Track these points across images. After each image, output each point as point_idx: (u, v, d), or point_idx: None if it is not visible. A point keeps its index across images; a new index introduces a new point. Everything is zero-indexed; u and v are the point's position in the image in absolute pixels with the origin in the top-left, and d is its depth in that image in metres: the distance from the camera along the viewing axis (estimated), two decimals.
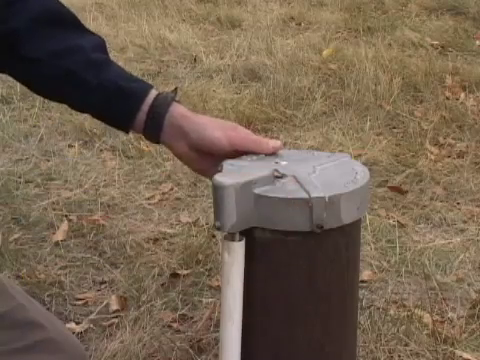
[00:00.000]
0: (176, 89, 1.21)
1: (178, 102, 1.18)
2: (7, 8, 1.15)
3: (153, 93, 1.17)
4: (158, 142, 1.18)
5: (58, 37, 1.17)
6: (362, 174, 1.11)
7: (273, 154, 1.18)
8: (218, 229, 1.03)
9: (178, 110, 1.16)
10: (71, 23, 1.20)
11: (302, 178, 1.08)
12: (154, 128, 1.16)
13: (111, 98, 1.16)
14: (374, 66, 3.83)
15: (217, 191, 1.02)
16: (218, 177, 1.04)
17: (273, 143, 1.16)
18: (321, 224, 1.02)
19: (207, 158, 1.15)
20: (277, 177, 1.08)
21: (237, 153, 1.14)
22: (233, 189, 1.01)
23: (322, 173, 1.10)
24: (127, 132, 1.21)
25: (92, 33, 1.21)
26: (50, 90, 1.20)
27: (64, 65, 1.16)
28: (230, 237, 1.04)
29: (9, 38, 1.15)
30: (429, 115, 3.41)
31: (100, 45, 1.21)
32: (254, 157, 1.17)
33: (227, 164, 1.13)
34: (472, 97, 3.64)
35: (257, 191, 1.03)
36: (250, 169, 1.09)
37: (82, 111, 1.23)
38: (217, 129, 1.14)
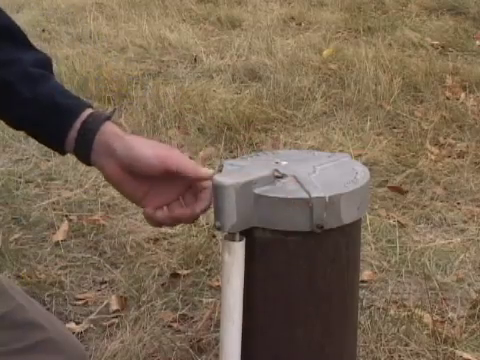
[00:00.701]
0: (115, 110, 1.18)
1: (114, 122, 1.14)
2: None
3: (88, 111, 1.13)
4: (89, 163, 1.13)
5: (1, 50, 1.14)
6: (362, 174, 1.11)
7: (273, 153, 1.18)
8: (218, 229, 1.03)
9: (110, 128, 1.12)
10: (17, 39, 1.17)
11: (302, 178, 1.08)
12: (84, 146, 1.11)
13: (45, 113, 1.13)
14: (374, 66, 3.83)
15: (217, 191, 1.02)
16: (218, 177, 1.03)
17: (205, 170, 1.09)
18: (321, 224, 1.02)
19: (139, 181, 1.11)
20: (277, 177, 1.08)
21: (169, 175, 1.08)
22: (233, 189, 1.01)
23: (322, 173, 1.10)
24: (63, 153, 1.16)
25: (39, 51, 1.18)
26: None
27: (0, 76, 1.13)
28: (230, 237, 1.04)
29: None
30: (429, 115, 3.41)
31: (43, 61, 1.17)
32: (254, 156, 1.17)
33: (227, 164, 1.13)
34: (472, 97, 3.64)
35: (257, 191, 1.03)
36: (250, 169, 1.09)
37: (18, 127, 1.18)
38: (147, 148, 1.09)
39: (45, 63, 1.17)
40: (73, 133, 1.12)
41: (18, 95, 1.13)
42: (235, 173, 1.07)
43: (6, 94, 1.13)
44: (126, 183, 1.11)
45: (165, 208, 1.10)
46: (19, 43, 1.17)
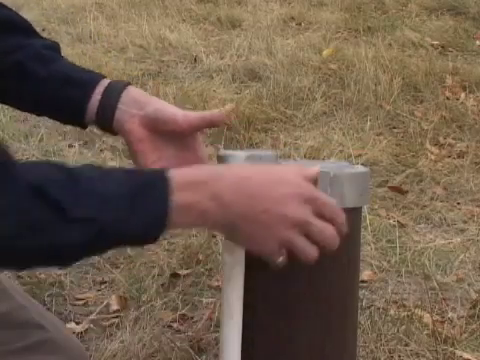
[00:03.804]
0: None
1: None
2: None
3: (106, 80, 1.16)
4: (110, 125, 1.14)
5: (9, 39, 1.17)
6: (362, 168, 1.12)
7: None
8: None
9: (135, 89, 1.16)
10: (25, 29, 1.20)
11: (306, 162, 1.08)
12: (109, 107, 1.13)
13: (62, 88, 1.14)
14: (374, 66, 3.83)
15: (223, 162, 1.02)
16: (223, 151, 1.04)
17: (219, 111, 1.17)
18: None
19: (158, 142, 1.13)
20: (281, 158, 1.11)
21: (191, 130, 1.12)
22: (240, 160, 1.01)
23: (324, 165, 1.12)
24: (83, 125, 1.17)
25: (46, 38, 1.22)
26: (4, 87, 1.19)
27: (13, 59, 1.16)
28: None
29: None
30: (429, 115, 3.42)
31: (52, 45, 1.20)
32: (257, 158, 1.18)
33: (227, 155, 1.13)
34: (472, 97, 3.64)
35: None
36: (253, 150, 1.10)
37: (35, 108, 1.20)
38: (173, 106, 1.13)
39: (55, 47, 1.21)
40: (94, 100, 1.13)
41: (33, 75, 1.15)
42: (238, 150, 1.08)
43: (21, 75, 1.15)
44: (146, 142, 1.13)
45: None
46: (29, 32, 1.21)
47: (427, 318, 1.97)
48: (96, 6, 5.24)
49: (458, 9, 5.10)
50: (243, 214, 0.92)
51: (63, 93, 1.15)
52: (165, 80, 3.92)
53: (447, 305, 2.07)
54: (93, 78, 1.16)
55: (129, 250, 2.33)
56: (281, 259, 0.96)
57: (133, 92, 1.15)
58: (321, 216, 0.94)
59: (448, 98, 3.64)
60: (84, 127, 1.19)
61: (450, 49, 4.40)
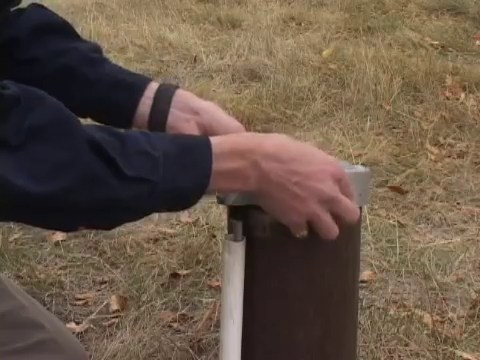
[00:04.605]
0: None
1: None
2: (7, 20, 1.18)
3: (154, 83, 1.18)
4: (164, 126, 1.16)
5: (56, 41, 1.20)
6: (362, 167, 1.12)
7: None
8: (220, 203, 1.03)
9: (185, 92, 1.17)
10: (68, 32, 1.23)
11: None
12: (161, 112, 1.15)
13: (111, 91, 1.16)
14: (374, 66, 3.83)
15: None
16: None
17: None
18: None
19: None
20: None
21: None
22: None
23: None
24: (129, 126, 1.19)
25: (89, 41, 1.25)
26: (50, 90, 1.20)
27: (62, 62, 1.18)
28: (231, 237, 1.04)
29: (9, 45, 1.19)
30: (429, 115, 3.41)
31: (97, 47, 1.23)
32: None
33: None
34: (472, 97, 3.64)
35: None
36: None
37: (83, 112, 1.22)
38: (227, 115, 1.16)
39: (99, 49, 1.23)
40: (144, 105, 1.15)
41: (82, 78, 1.17)
42: None
43: (70, 79, 1.17)
44: None
45: None
46: (73, 35, 1.23)
47: (427, 318, 1.97)
48: (96, 6, 5.24)
49: (458, 9, 5.10)
50: (278, 183, 0.95)
51: (111, 96, 1.17)
52: (165, 80, 3.92)
53: (447, 305, 2.07)
54: (141, 81, 1.18)
55: (129, 250, 2.33)
56: (303, 232, 1.00)
57: (184, 96, 1.17)
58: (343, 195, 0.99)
59: (448, 98, 3.64)
60: (129, 127, 1.20)
61: (450, 49, 4.40)
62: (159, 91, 1.16)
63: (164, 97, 1.16)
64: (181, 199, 0.94)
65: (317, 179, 0.95)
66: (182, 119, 1.16)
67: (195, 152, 0.93)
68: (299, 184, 0.95)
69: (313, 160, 0.97)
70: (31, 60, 1.18)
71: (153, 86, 1.17)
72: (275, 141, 0.97)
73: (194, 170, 0.92)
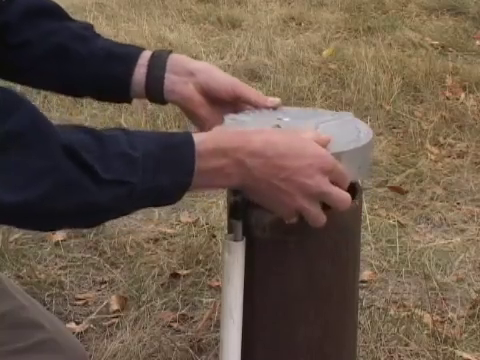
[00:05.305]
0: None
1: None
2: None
3: (148, 51, 1.17)
4: (162, 97, 1.16)
5: (47, 23, 1.20)
6: (365, 132, 1.09)
7: (277, 109, 1.17)
8: None
9: (179, 55, 1.17)
10: (59, 13, 1.23)
11: (304, 113, 1.08)
12: (157, 78, 1.15)
13: (105, 64, 1.16)
14: (374, 66, 3.83)
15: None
16: (229, 117, 1.04)
17: (272, 99, 1.18)
18: None
19: (212, 107, 1.16)
20: None
21: (235, 100, 1.15)
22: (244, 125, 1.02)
23: (324, 131, 1.08)
24: (128, 100, 1.19)
25: (80, 21, 1.24)
26: (43, 73, 1.20)
27: (54, 41, 1.18)
28: (231, 237, 1.04)
29: (0, 31, 1.18)
30: (429, 115, 3.41)
31: (88, 25, 1.23)
32: (257, 111, 1.16)
33: (228, 118, 1.12)
34: (472, 97, 3.63)
35: None
36: (250, 126, 1.07)
37: (82, 90, 1.22)
38: (223, 72, 1.17)
39: (91, 26, 1.23)
40: (139, 73, 1.15)
41: (75, 55, 1.17)
42: (236, 127, 1.07)
43: (63, 57, 1.17)
44: (202, 107, 1.16)
45: None
46: (64, 17, 1.24)
47: (427, 318, 1.97)
48: (96, 6, 5.24)
49: (458, 9, 5.09)
50: (264, 179, 0.95)
51: (106, 69, 1.16)
52: None
53: (447, 305, 2.07)
54: (134, 51, 1.18)
55: (129, 250, 2.33)
56: (293, 220, 1.01)
57: (178, 59, 1.17)
58: (335, 183, 0.99)
59: (448, 98, 3.64)
60: (129, 102, 1.20)
61: (450, 49, 4.40)
62: (153, 58, 1.16)
63: (158, 63, 1.15)
64: (163, 197, 0.94)
65: (305, 174, 0.95)
66: (179, 82, 1.15)
67: (177, 151, 0.92)
68: (287, 180, 0.95)
69: (302, 155, 0.96)
70: (23, 43, 1.18)
71: (146, 54, 1.17)
72: (262, 137, 0.96)
73: (176, 169, 0.92)
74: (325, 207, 1.01)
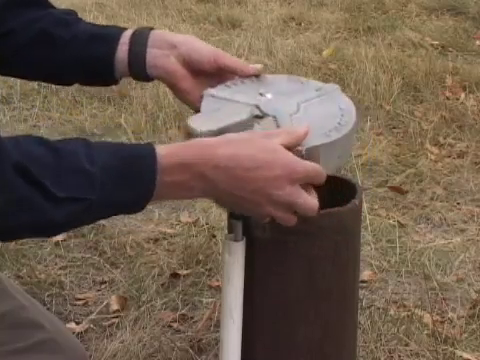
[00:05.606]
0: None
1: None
2: None
3: (129, 30, 1.17)
4: (145, 74, 1.15)
5: (29, 12, 1.20)
6: (348, 117, 1.05)
7: (259, 80, 1.16)
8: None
9: (160, 31, 1.18)
10: (42, 2, 1.23)
11: (282, 120, 1.03)
12: (138, 52, 1.15)
13: (86, 47, 1.16)
14: (374, 66, 3.83)
15: (189, 138, 0.99)
16: (192, 122, 1.00)
17: (253, 66, 1.20)
18: None
19: (196, 79, 1.15)
20: (257, 116, 1.04)
21: (218, 71, 1.14)
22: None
23: (305, 113, 1.06)
24: (114, 81, 1.19)
25: (63, 8, 1.25)
26: (28, 60, 1.20)
27: (37, 28, 1.18)
28: (231, 237, 1.04)
29: None
30: (429, 115, 3.41)
31: (71, 11, 1.23)
32: (238, 83, 1.13)
33: (207, 95, 1.10)
34: (472, 97, 3.63)
35: None
36: (229, 109, 1.05)
37: (67, 75, 1.21)
38: (204, 44, 1.18)
39: (73, 12, 1.23)
40: (121, 51, 1.15)
41: (58, 40, 1.17)
42: (211, 117, 1.03)
43: (47, 43, 1.17)
44: (185, 80, 1.15)
45: None
46: (46, 5, 1.23)
47: (427, 318, 1.97)
48: (96, 6, 5.24)
49: (458, 9, 5.09)
50: (230, 192, 0.95)
51: (88, 51, 1.16)
52: None
53: (447, 305, 2.07)
54: (116, 30, 1.18)
55: (129, 250, 2.33)
56: (267, 220, 1.01)
57: (159, 34, 1.16)
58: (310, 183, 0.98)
59: (448, 98, 3.64)
60: (115, 83, 1.20)
61: (450, 49, 4.40)
62: (134, 35, 1.16)
63: (139, 39, 1.15)
64: (125, 209, 0.94)
65: (274, 186, 0.94)
66: (160, 56, 1.15)
67: (139, 165, 0.91)
68: (255, 192, 0.94)
69: (269, 166, 0.94)
70: (7, 32, 1.18)
71: (128, 33, 1.17)
72: (227, 151, 0.94)
73: (137, 183, 0.91)
74: (325, 207, 1.01)
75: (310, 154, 0.98)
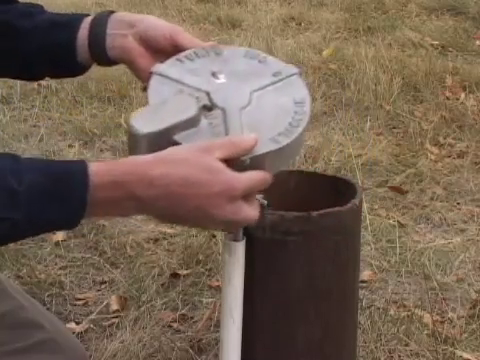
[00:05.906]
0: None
1: None
2: None
3: (90, 16, 1.18)
4: (104, 50, 1.15)
5: None
6: (300, 114, 0.99)
7: (216, 53, 1.14)
8: None
9: (122, 12, 1.17)
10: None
11: (231, 115, 0.98)
12: (98, 34, 1.14)
13: (47, 35, 1.15)
14: (374, 66, 3.83)
15: (130, 138, 0.97)
16: (134, 122, 0.96)
17: (208, 43, 1.18)
18: None
19: (153, 57, 1.14)
20: (205, 106, 1.00)
21: (178, 50, 1.13)
22: (146, 139, 0.95)
23: (257, 107, 1.01)
24: (76, 65, 1.17)
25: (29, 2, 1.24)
26: None
27: (0, 20, 1.17)
28: (231, 237, 1.04)
29: None
30: (429, 115, 3.41)
31: (35, 4, 1.22)
32: (193, 57, 1.10)
33: (156, 74, 1.06)
34: (472, 97, 3.63)
35: (177, 138, 0.96)
36: (175, 104, 1.00)
37: (32, 67, 1.20)
38: (163, 21, 1.15)
39: (39, 6, 1.22)
40: (83, 37, 1.14)
41: (21, 30, 1.16)
42: (155, 113, 0.99)
43: (10, 34, 1.16)
44: (142, 58, 1.14)
45: None
46: (12, 1, 1.22)
47: (427, 318, 1.97)
48: (96, 6, 5.24)
49: (458, 9, 5.09)
50: (165, 211, 0.93)
51: (50, 38, 1.15)
52: None
53: (447, 305, 2.07)
54: (77, 17, 1.18)
55: (129, 250, 2.33)
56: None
57: (119, 15, 1.16)
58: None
59: (448, 98, 3.64)
60: (82, 72, 1.19)
61: (450, 49, 4.40)
62: (94, 20, 1.16)
63: (99, 23, 1.15)
64: (57, 227, 0.92)
65: (211, 205, 0.92)
66: (118, 36, 1.14)
67: (69, 183, 0.89)
68: (193, 210, 0.92)
69: (206, 186, 0.91)
70: None
71: (89, 18, 1.17)
72: (161, 171, 0.91)
73: (67, 201, 0.89)
74: (325, 207, 1.01)
75: (255, 162, 0.94)
